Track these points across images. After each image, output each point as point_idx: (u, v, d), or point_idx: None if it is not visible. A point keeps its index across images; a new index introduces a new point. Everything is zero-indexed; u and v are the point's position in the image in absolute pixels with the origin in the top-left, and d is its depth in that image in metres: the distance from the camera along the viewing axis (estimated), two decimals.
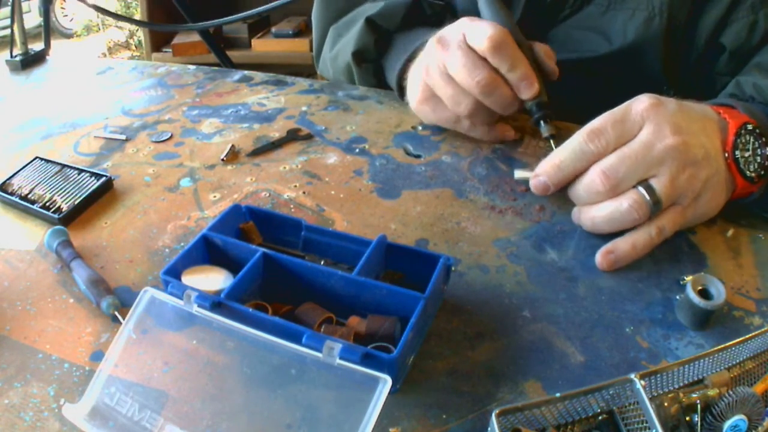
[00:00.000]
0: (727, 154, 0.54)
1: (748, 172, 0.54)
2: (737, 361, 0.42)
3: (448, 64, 0.62)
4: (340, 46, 0.85)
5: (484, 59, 0.61)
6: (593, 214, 0.54)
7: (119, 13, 4.40)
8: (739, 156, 0.54)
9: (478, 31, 0.60)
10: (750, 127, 0.54)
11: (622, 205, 0.52)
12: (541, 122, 0.63)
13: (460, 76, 0.61)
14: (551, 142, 0.62)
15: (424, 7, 0.80)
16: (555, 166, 0.55)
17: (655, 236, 0.53)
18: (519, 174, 0.65)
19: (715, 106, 0.57)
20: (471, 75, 0.60)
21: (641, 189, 0.51)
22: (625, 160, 0.51)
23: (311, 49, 2.61)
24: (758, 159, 0.54)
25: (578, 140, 0.53)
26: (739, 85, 0.63)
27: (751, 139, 0.54)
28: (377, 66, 0.83)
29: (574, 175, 0.54)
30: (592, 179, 0.52)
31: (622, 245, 0.53)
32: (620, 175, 0.51)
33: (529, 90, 0.62)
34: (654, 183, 0.51)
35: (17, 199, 0.63)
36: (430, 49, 0.65)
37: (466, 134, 0.71)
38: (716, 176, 0.53)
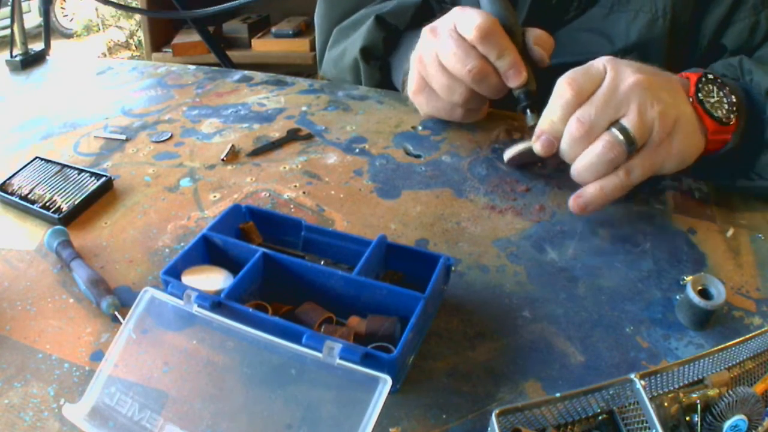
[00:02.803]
0: (691, 99, 0.56)
1: (716, 114, 0.55)
2: (737, 361, 0.42)
3: (440, 54, 0.63)
4: (347, 44, 0.85)
5: (475, 48, 0.61)
6: (576, 166, 0.56)
7: (119, 12, 4.40)
8: (703, 98, 0.55)
9: (467, 20, 0.61)
10: (710, 76, 0.56)
11: (597, 147, 0.54)
12: (527, 111, 0.63)
13: (452, 64, 0.62)
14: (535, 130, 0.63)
15: (434, 7, 0.81)
16: (550, 121, 0.56)
17: (623, 177, 0.54)
18: (509, 153, 0.66)
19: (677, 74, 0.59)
20: (462, 63, 0.61)
21: (613, 129, 0.53)
22: (594, 103, 0.54)
23: (311, 49, 2.62)
24: (725, 105, 0.56)
25: (558, 93, 0.55)
26: (711, 69, 0.64)
27: (714, 88, 0.56)
28: (384, 64, 0.83)
29: (565, 125, 0.56)
30: (570, 128, 0.55)
31: (590, 188, 0.56)
32: (592, 118, 0.53)
33: (516, 79, 0.62)
34: (624, 121, 0.53)
35: (17, 199, 0.63)
36: (423, 39, 0.66)
37: (459, 122, 0.72)
38: (684, 117, 0.55)
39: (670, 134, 0.54)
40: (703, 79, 0.56)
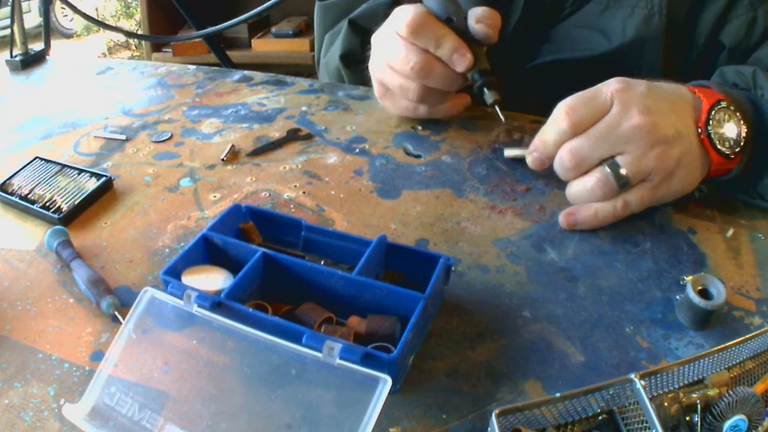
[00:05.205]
0: (699, 130, 0.54)
1: (722, 148, 0.54)
2: (737, 361, 0.42)
3: (386, 57, 0.65)
4: (331, 52, 0.86)
5: (414, 43, 0.62)
6: (570, 190, 0.58)
7: (119, 12, 4.40)
8: (711, 131, 0.54)
9: (399, 19, 0.62)
10: (724, 104, 0.55)
11: (589, 182, 0.55)
12: (484, 89, 0.63)
13: (397, 65, 0.63)
14: (496, 108, 0.63)
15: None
16: (543, 142, 0.57)
17: (619, 208, 0.55)
18: (509, 152, 0.67)
19: (690, 86, 0.58)
20: (405, 61, 0.62)
21: (606, 166, 0.54)
22: (590, 138, 0.54)
23: (311, 49, 2.62)
24: (734, 137, 0.55)
25: (556, 118, 0.55)
26: (722, 74, 0.63)
27: (725, 116, 0.55)
28: (365, 67, 0.83)
29: (558, 149, 0.56)
30: (561, 157, 0.55)
31: (585, 210, 0.57)
32: (584, 153, 0.54)
33: (461, 62, 0.62)
34: (619, 160, 0.53)
35: (17, 199, 0.63)
36: (373, 45, 0.68)
37: (430, 117, 0.74)
38: (689, 153, 0.54)
39: (671, 174, 0.54)
40: (716, 107, 0.54)
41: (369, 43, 0.80)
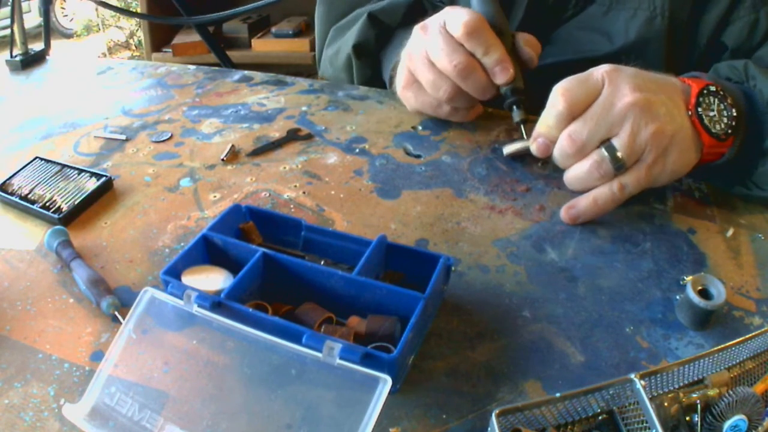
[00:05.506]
0: (690, 112, 0.55)
1: (713, 129, 0.55)
2: (737, 361, 0.42)
3: (429, 50, 0.64)
4: (341, 43, 0.87)
5: (462, 45, 0.62)
6: (567, 176, 0.58)
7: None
8: (702, 113, 0.55)
9: (455, 18, 0.63)
10: (712, 89, 0.56)
11: (585, 164, 0.55)
12: (514, 107, 0.64)
13: (439, 60, 0.63)
14: (522, 127, 0.64)
15: (425, 6, 0.82)
16: (546, 126, 0.57)
17: (617, 191, 0.56)
18: (508, 148, 0.67)
19: (680, 77, 0.59)
20: (448, 59, 0.62)
21: (602, 148, 0.54)
22: (587, 122, 0.54)
23: (311, 49, 2.62)
24: (725, 120, 0.56)
25: (551, 102, 0.56)
26: (716, 70, 0.64)
27: (715, 101, 0.56)
28: (376, 60, 0.84)
29: (560, 132, 0.57)
30: (561, 144, 0.56)
31: (584, 200, 0.57)
32: (584, 137, 0.54)
33: (503, 75, 0.63)
34: (615, 141, 0.54)
35: (17, 199, 0.63)
36: (414, 36, 0.68)
37: (447, 119, 0.74)
38: (681, 132, 0.54)
39: (665, 151, 0.54)
40: (705, 91, 0.56)
41: (384, 37, 0.82)
